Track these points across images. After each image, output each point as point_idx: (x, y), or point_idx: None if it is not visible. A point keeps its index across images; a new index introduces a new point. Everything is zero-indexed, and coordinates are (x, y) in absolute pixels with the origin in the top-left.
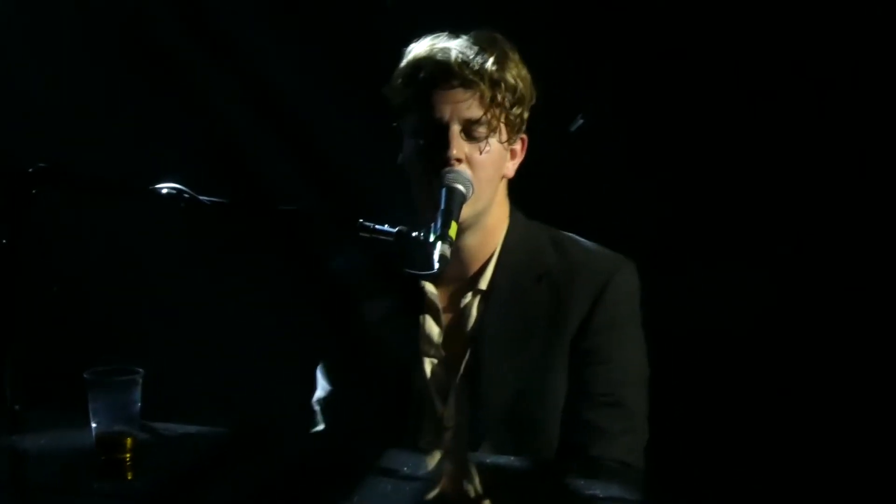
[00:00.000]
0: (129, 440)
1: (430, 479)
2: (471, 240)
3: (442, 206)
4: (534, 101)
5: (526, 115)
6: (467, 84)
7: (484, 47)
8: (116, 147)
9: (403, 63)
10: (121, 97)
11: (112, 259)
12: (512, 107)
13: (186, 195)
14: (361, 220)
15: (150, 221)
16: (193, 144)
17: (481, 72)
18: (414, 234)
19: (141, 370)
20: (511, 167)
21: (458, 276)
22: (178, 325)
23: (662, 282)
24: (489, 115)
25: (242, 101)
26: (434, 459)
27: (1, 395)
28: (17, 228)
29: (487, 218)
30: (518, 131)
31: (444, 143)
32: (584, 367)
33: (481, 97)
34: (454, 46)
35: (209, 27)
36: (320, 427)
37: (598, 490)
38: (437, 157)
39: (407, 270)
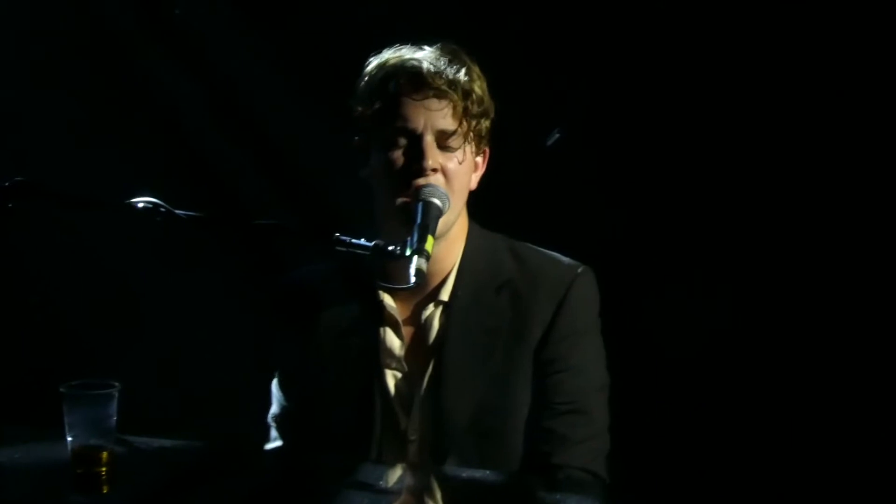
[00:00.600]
0: (105, 454)
1: (394, 493)
2: (434, 251)
3: (418, 221)
4: (494, 113)
5: (489, 126)
6: (440, 94)
7: (451, 59)
8: (91, 162)
9: (369, 74)
10: (96, 113)
11: (87, 273)
12: (480, 117)
13: (162, 209)
14: (338, 234)
15: (126, 236)
16: (168, 159)
17: (454, 82)
18: (390, 248)
19: (117, 384)
20: (475, 179)
21: (419, 288)
22: (153, 338)
23: (621, 289)
24: (462, 126)
25: (215, 115)
26: (398, 472)
27: None
28: None
29: (452, 230)
30: (484, 143)
31: (420, 153)
32: (547, 376)
33: (454, 108)
34: (423, 57)
35: (181, 42)
36: (276, 443)
37: (561, 500)
38: (411, 167)
39: (383, 284)
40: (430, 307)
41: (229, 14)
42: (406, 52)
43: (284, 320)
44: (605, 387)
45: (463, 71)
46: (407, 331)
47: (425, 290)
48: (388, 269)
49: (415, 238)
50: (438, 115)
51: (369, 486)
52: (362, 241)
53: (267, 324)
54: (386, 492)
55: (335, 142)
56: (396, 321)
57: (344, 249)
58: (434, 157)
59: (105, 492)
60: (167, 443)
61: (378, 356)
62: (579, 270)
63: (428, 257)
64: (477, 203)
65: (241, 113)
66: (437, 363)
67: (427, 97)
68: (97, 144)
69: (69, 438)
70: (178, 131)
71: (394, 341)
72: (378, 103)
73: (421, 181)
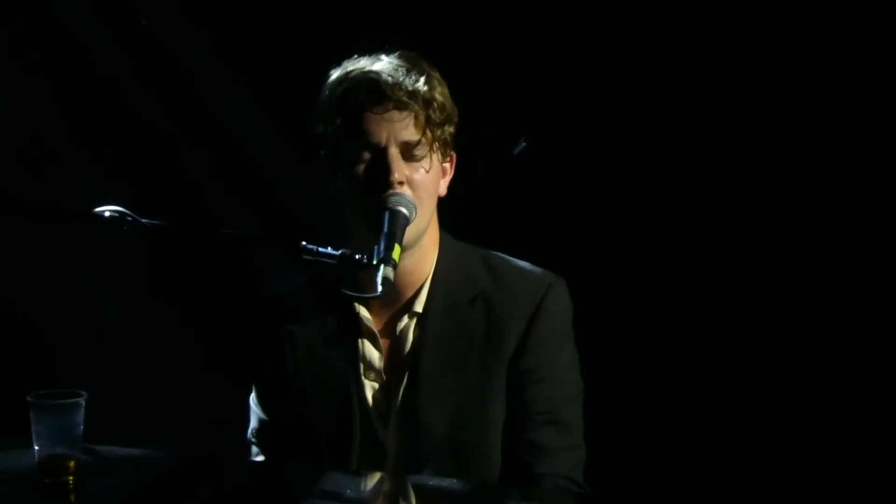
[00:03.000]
0: (72, 463)
1: (371, 502)
2: (406, 262)
3: (385, 230)
4: (457, 117)
5: (454, 131)
6: (401, 106)
7: (410, 68)
8: (54, 171)
9: (329, 89)
10: (61, 123)
11: (55, 283)
12: (444, 124)
13: (129, 218)
14: (304, 243)
15: (90, 245)
16: (133, 170)
17: (414, 92)
18: (357, 256)
19: (84, 393)
20: (444, 185)
21: (393, 299)
22: (119, 348)
23: (594, 298)
24: (426, 135)
25: (181, 124)
26: (373, 481)
27: None
28: None
29: (423, 239)
30: (450, 149)
31: (385, 167)
32: (523, 388)
33: (416, 118)
34: (381, 69)
35: (150, 54)
36: (258, 459)
37: None
38: (377, 182)
39: (348, 293)
40: (405, 318)
41: (196, 22)
42: (365, 63)
43: (259, 334)
44: (580, 395)
45: (423, 79)
46: (384, 342)
47: (400, 302)
48: (357, 279)
49: (381, 247)
50: (401, 127)
51: (337, 494)
52: (329, 249)
53: (238, 336)
54: (356, 501)
55: (304, 151)
56: (374, 333)
57: (311, 258)
58: (400, 169)
59: (72, 500)
60: (135, 451)
61: (357, 368)
62: (552, 281)
63: (395, 266)
64: (448, 213)
65: (208, 121)
66: (412, 375)
67: (388, 110)
68: (61, 153)
69: (36, 447)
70: (145, 142)
71: (373, 353)
72: (339, 120)
73: (388, 194)
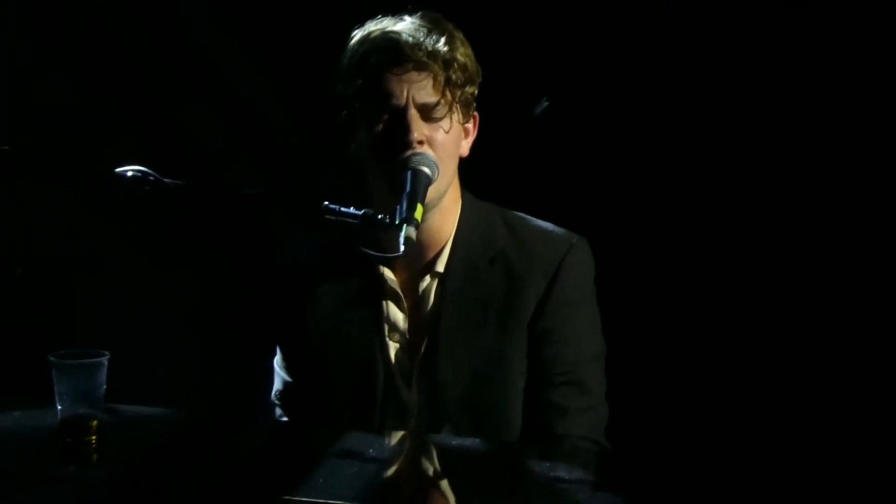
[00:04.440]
0: (94, 422)
1: (393, 461)
2: (428, 222)
3: (407, 189)
4: (480, 78)
5: (476, 92)
6: (420, 66)
7: (431, 28)
8: (71, 134)
9: (350, 51)
10: (74, 85)
11: (75, 244)
12: (465, 85)
13: (151, 178)
14: (326, 203)
15: (109, 206)
16: (151, 134)
17: (433, 53)
18: (379, 216)
19: (106, 353)
20: (466, 146)
21: (416, 259)
22: (140, 309)
23: (616, 258)
24: (445, 96)
25: (196, 87)
26: (396, 440)
27: None
28: None
29: (444, 199)
30: (471, 109)
31: (404, 127)
32: (542, 348)
33: (435, 79)
34: (402, 29)
35: (163, 19)
36: (283, 420)
37: (562, 472)
38: (397, 142)
39: (370, 252)
40: (427, 279)
41: None
42: (387, 24)
43: (281, 299)
44: (601, 355)
45: (443, 40)
46: (407, 303)
47: (422, 262)
48: (379, 240)
49: (404, 207)
50: (420, 87)
51: (359, 454)
52: (351, 209)
53: (259, 298)
54: (378, 460)
55: (324, 113)
56: (397, 293)
57: (333, 218)
58: (419, 129)
59: (94, 460)
60: (156, 411)
61: (381, 329)
62: (573, 241)
63: (417, 226)
64: (470, 175)
65: (227, 86)
66: (432, 336)
67: (407, 70)
68: (76, 118)
69: (58, 407)
70: (163, 106)
71: (397, 314)
72: (359, 80)
73: (408, 153)
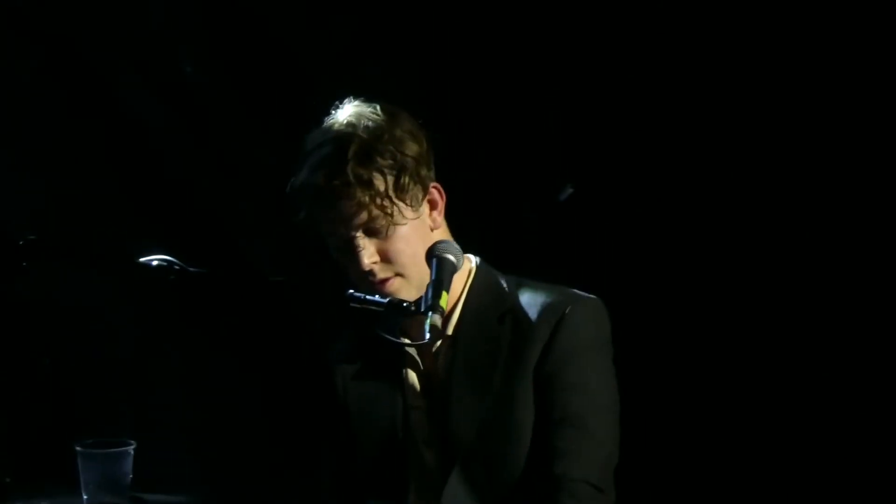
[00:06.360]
0: None
1: None
2: None
3: (433, 277)
4: (425, 146)
5: (423, 170)
6: (345, 196)
7: (344, 145)
8: (98, 222)
9: (294, 179)
10: (104, 173)
11: (100, 332)
12: (398, 182)
13: (177, 266)
14: (351, 291)
15: (137, 293)
16: (176, 221)
17: (349, 180)
18: (405, 304)
19: (133, 442)
20: (436, 217)
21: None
22: (167, 397)
23: (633, 319)
24: (379, 210)
25: (223, 176)
26: None
27: None
28: (4, 301)
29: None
30: (423, 189)
31: (355, 257)
32: (546, 394)
33: (360, 203)
34: (325, 159)
35: (189, 107)
36: None
37: None
38: (356, 267)
39: (395, 340)
40: (438, 342)
41: (236, 74)
42: (315, 153)
43: (326, 401)
44: (611, 409)
45: (354, 159)
46: (423, 367)
47: None
48: (402, 324)
49: (429, 294)
50: (352, 214)
51: None
52: (376, 297)
53: (290, 386)
54: None
55: None
56: (415, 360)
57: (358, 306)
58: (370, 255)
59: None
60: (183, 500)
61: (405, 397)
62: (582, 297)
63: (443, 313)
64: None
65: (251, 171)
66: (445, 394)
67: (335, 207)
68: (97, 201)
69: (84, 496)
70: (188, 193)
71: (415, 380)
72: (303, 213)
73: (372, 279)
